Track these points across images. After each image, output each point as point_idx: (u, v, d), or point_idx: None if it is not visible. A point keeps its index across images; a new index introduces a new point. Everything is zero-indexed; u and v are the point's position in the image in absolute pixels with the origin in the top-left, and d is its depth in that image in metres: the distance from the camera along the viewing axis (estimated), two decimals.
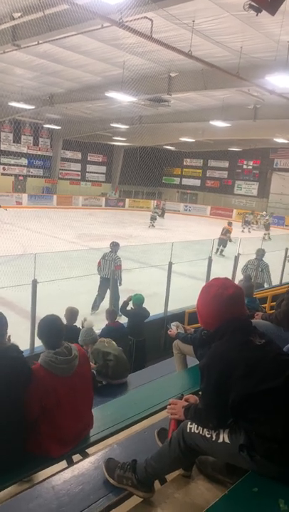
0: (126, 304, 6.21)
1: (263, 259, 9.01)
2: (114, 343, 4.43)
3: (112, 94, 13.60)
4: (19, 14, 8.61)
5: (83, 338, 4.36)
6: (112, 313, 5.67)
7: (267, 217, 23.01)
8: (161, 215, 26.08)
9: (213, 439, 1.66)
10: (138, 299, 6.23)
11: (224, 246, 15.27)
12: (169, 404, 1.99)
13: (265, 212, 25.89)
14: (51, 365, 2.27)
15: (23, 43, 9.89)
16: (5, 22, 9.09)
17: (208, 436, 1.67)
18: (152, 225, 22.57)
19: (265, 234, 19.93)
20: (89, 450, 2.59)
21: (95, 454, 2.21)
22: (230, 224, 17.00)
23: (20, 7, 8.24)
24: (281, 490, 1.46)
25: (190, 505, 1.82)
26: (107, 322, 5.63)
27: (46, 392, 2.24)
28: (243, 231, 21.90)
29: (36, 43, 9.80)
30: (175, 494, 1.89)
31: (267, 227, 21.56)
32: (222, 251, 15.05)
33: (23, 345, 4.54)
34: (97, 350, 4.23)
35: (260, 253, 9.00)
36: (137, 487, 1.84)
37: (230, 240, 15.35)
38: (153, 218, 22.96)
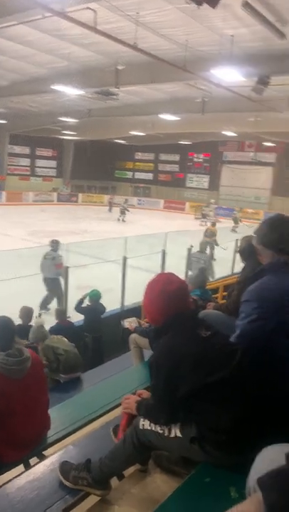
0: (81, 301, 6.15)
1: (206, 251, 9.25)
2: (65, 339, 4.41)
3: (58, 87, 13.28)
4: None
5: (34, 335, 4.31)
6: (61, 313, 5.60)
7: (235, 212, 23.44)
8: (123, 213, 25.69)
9: (166, 434, 1.67)
10: (94, 295, 6.19)
11: (212, 249, 13.32)
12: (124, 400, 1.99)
13: (213, 200, 26.66)
14: (2, 367, 2.21)
15: None
16: None
17: (161, 431, 1.68)
18: (122, 220, 22.49)
19: (233, 226, 20.08)
20: (46, 452, 2.55)
21: (50, 457, 2.16)
22: (214, 225, 14.88)
23: None
24: (232, 478, 1.50)
25: (147, 499, 1.83)
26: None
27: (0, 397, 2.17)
28: (201, 224, 22.38)
29: None
30: (132, 490, 1.90)
31: (236, 220, 21.83)
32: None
33: None
34: (47, 347, 4.20)
35: (203, 246, 9.20)
36: (92, 486, 1.82)
37: (217, 244, 13.22)
38: (122, 212, 22.95)
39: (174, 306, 1.71)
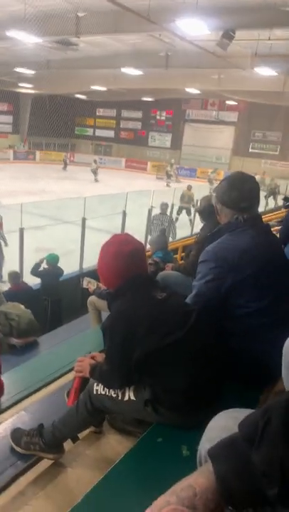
0: (38, 265, 5.98)
1: (167, 213, 9.23)
2: (19, 305, 4.30)
3: (13, 33, 12.26)
4: None
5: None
6: (14, 276, 5.42)
7: (210, 173, 23.31)
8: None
9: (120, 398, 1.65)
10: (52, 258, 6.04)
11: (188, 214, 12.84)
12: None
13: (173, 160, 26.57)
14: None
15: None
16: None
17: (115, 395, 1.66)
18: (95, 180, 22.17)
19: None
20: (1, 417, 2.50)
21: (2, 423, 2.11)
22: (189, 188, 13.83)
23: None
24: (183, 437, 1.52)
25: (101, 460, 1.83)
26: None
27: None
28: (167, 185, 22.24)
29: None
30: (86, 451, 1.89)
31: (211, 182, 21.57)
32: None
33: None
34: None
35: (164, 207, 9.16)
36: (45, 450, 1.80)
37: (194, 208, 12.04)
38: (94, 172, 22.39)
39: (129, 269, 1.64)
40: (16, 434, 1.89)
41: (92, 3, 10.56)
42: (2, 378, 2.60)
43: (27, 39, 13.20)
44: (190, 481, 0.75)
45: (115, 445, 1.91)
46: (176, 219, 11.99)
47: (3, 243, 6.97)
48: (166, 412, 1.58)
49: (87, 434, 1.98)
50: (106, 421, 2.02)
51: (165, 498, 0.73)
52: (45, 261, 5.99)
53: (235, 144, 28.89)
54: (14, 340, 4.06)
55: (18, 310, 4.21)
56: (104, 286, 3.56)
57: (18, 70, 20.07)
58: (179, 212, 12.81)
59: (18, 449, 1.84)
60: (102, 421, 1.99)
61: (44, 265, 6.03)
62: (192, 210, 12.57)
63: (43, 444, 1.79)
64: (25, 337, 4.11)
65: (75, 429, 1.84)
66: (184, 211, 13.25)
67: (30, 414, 2.14)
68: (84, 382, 1.85)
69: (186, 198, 13.33)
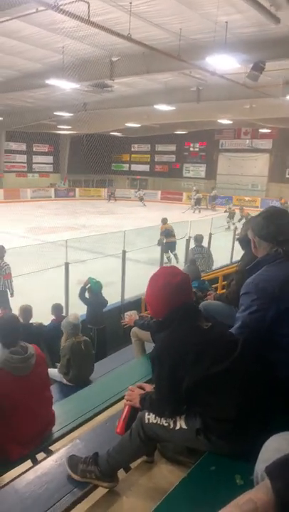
0: (84, 289, 6.13)
1: (203, 244, 9.19)
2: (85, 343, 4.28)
3: (53, 82, 13.18)
4: None
5: (71, 331, 4.18)
6: (57, 308, 5.56)
7: (229, 206, 23.41)
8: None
9: (171, 426, 1.70)
10: (95, 283, 6.19)
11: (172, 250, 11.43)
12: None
13: (195, 187, 27.30)
14: (7, 364, 2.22)
15: None
16: None
17: (166, 424, 1.71)
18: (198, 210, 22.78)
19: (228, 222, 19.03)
20: (53, 447, 2.58)
21: (57, 452, 2.19)
22: (165, 221, 12.11)
23: None
24: (237, 466, 1.53)
25: (154, 489, 1.85)
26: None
27: (2, 395, 2.18)
28: (194, 212, 22.50)
29: None
30: (139, 480, 1.93)
31: (232, 216, 21.30)
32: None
33: None
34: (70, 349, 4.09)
35: (200, 238, 9.11)
36: (100, 479, 1.85)
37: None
38: (141, 199, 22.77)
39: (177, 299, 1.72)
40: (73, 461, 1.95)
41: (124, 47, 11.17)
42: (53, 408, 2.70)
43: (66, 85, 14.11)
44: (250, 495, 0.81)
45: (167, 474, 1.93)
46: (168, 259, 11.15)
47: (9, 293, 6.81)
48: (217, 440, 1.61)
49: (139, 463, 2.02)
50: (157, 450, 2.05)
51: (228, 509, 0.79)
52: (88, 288, 6.13)
53: (270, 170, 28.77)
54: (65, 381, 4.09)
55: (82, 353, 4.12)
56: (146, 318, 3.65)
57: (58, 113, 21.31)
58: (165, 250, 10.93)
59: (74, 476, 1.90)
60: (154, 450, 2.02)
61: (87, 294, 6.17)
62: (175, 244, 11.37)
63: (98, 473, 1.84)
64: (75, 383, 4.07)
65: (129, 458, 1.88)
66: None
67: (83, 442, 2.20)
68: (134, 411, 1.91)
69: (168, 233, 11.64)
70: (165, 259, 10.59)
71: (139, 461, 2.01)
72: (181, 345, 1.64)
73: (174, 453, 2.00)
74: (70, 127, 26.13)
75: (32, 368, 2.30)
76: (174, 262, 10.87)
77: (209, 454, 1.66)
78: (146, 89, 17.49)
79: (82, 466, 1.89)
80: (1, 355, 2.26)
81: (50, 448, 2.53)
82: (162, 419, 1.72)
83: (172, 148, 33.03)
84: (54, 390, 3.65)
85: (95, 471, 1.85)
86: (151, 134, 30.06)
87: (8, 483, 1.99)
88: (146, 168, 34.72)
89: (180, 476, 1.77)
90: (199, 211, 24.79)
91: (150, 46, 9.86)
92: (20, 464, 2.35)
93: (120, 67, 12.87)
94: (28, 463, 2.41)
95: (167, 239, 11.22)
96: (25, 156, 30.82)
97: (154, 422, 1.73)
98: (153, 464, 2.01)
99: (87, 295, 6.15)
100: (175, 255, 11.36)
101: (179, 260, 10.83)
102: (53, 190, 30.88)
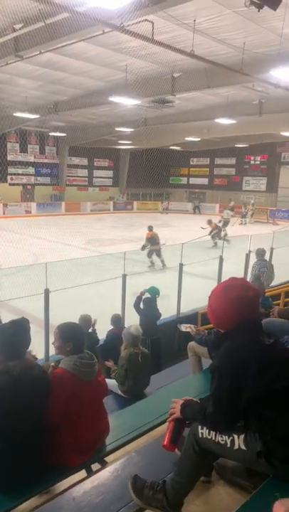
0: (140, 298, 6.17)
1: (266, 258, 8.92)
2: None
3: (115, 99, 13.64)
4: (20, 25, 8.68)
5: (131, 341, 4.24)
6: (116, 319, 5.63)
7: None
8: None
9: (228, 445, 1.64)
10: (153, 290, 6.20)
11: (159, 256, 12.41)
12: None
13: (232, 202, 26.51)
14: (76, 369, 2.28)
15: (26, 54, 9.95)
16: (6, 34, 9.17)
17: (223, 442, 1.65)
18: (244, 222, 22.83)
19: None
20: (107, 458, 2.59)
21: (113, 463, 2.20)
22: (151, 228, 13.34)
23: (21, 18, 8.31)
24: None
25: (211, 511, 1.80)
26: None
27: (70, 398, 2.23)
28: (241, 223, 22.10)
29: (38, 52, 9.87)
30: (196, 501, 1.87)
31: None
32: None
33: (38, 354, 4.55)
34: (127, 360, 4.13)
35: (261, 253, 8.86)
36: (167, 510, 1.77)
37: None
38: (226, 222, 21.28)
39: (246, 314, 1.69)
40: (137, 484, 1.87)
41: (186, 63, 11.33)
42: (108, 418, 2.71)
43: (128, 102, 14.54)
44: None
45: (225, 497, 1.87)
46: (152, 262, 12.12)
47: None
48: (281, 465, 1.53)
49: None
50: (215, 471, 1.99)
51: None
52: (144, 299, 6.16)
53: None
54: (120, 392, 4.11)
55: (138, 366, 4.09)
56: (202, 332, 3.58)
57: (119, 129, 21.98)
58: (149, 255, 12.42)
59: (138, 502, 1.83)
60: (211, 470, 1.96)
61: (142, 305, 6.20)
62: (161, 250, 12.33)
63: (165, 503, 1.76)
64: (129, 395, 4.05)
65: (190, 478, 1.79)
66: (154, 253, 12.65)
67: (139, 456, 2.19)
68: (179, 423, 1.86)
69: (153, 240, 12.75)
70: (149, 263, 12.00)
71: None
72: (243, 359, 1.59)
73: (232, 474, 1.93)
74: (130, 142, 26.81)
75: (95, 376, 2.35)
76: (158, 267, 11.74)
77: (272, 479, 1.58)
78: (207, 103, 17.54)
79: (149, 493, 1.81)
80: (69, 360, 2.32)
81: (104, 459, 2.55)
82: (218, 435, 1.66)
83: (232, 161, 32.66)
84: (109, 400, 3.69)
85: (162, 501, 1.77)
86: (211, 148, 29.97)
87: (66, 490, 2.02)
88: (204, 181, 34.59)
89: (239, 499, 1.71)
90: (245, 223, 24.28)
91: (213, 61, 9.91)
92: (77, 472, 2.39)
93: (182, 83, 13.05)
94: (83, 472, 2.45)
95: (152, 246, 12.43)
96: (87, 170, 31.99)
97: (209, 437, 1.68)
98: (210, 485, 1.96)
99: (142, 305, 6.19)
100: (162, 261, 12.02)
101: (166, 266, 11.42)
102: (111, 203, 31.71)
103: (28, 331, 2.25)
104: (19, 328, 2.22)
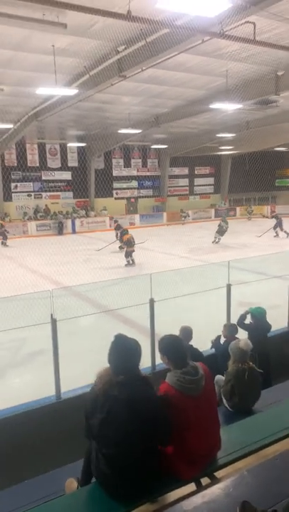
0: (243, 316, 5.94)
1: None
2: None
3: (216, 106, 13.54)
4: (123, 47, 9.17)
5: (238, 357, 4.11)
6: (231, 328, 5.45)
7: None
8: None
9: None
10: (258, 313, 5.93)
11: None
12: None
13: None
14: (179, 384, 2.28)
15: (129, 73, 10.47)
16: (110, 57, 9.77)
17: None
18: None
19: None
20: (217, 473, 2.52)
21: (224, 480, 2.13)
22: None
23: (124, 40, 8.77)
24: None
25: None
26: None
27: (177, 412, 2.24)
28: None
29: (140, 70, 10.30)
30: None
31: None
32: None
33: (145, 362, 4.65)
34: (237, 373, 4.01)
35: None
36: None
37: None
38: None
39: None
40: (247, 511, 1.80)
41: None
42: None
43: (229, 107, 14.33)
44: None
45: None
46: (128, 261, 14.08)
47: None
48: None
49: None
50: None
51: None
52: (250, 315, 5.92)
53: None
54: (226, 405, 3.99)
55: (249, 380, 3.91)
56: None
57: (220, 135, 21.74)
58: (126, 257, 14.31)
59: None
60: None
61: (249, 319, 5.96)
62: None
63: None
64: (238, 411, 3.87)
65: None
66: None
67: (251, 476, 2.08)
68: None
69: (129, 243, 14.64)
70: (125, 262, 14.10)
71: None
72: None
73: None
74: (232, 147, 26.35)
75: (202, 390, 2.30)
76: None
77: None
78: None
79: None
80: (173, 375, 2.32)
81: (214, 474, 2.48)
82: None
83: None
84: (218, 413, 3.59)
85: None
86: None
87: (175, 501, 2.01)
88: None
89: None
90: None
91: None
92: (187, 484, 2.36)
93: (286, 81, 12.43)
94: (192, 485, 2.41)
95: (128, 248, 14.47)
96: (187, 179, 32.22)
97: None
98: None
99: (249, 319, 5.94)
100: (133, 260, 14.17)
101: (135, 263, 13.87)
102: (213, 210, 31.38)
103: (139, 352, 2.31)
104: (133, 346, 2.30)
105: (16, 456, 3.73)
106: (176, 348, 2.41)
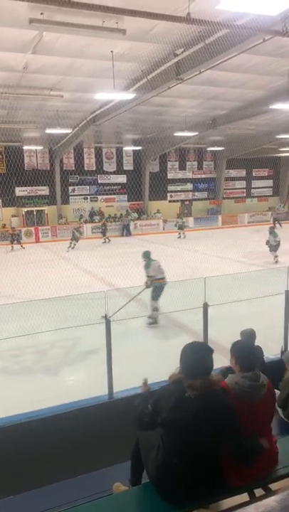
0: None
1: None
2: None
3: (277, 106, 13.12)
4: (181, 50, 9.16)
5: None
6: None
7: None
8: None
9: None
10: None
11: None
12: None
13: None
14: (235, 386, 2.25)
15: (186, 76, 10.44)
16: (168, 61, 9.80)
17: None
18: None
19: None
20: (272, 485, 2.42)
21: (280, 493, 2.02)
22: None
23: (182, 43, 8.75)
24: None
25: None
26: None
27: None
28: None
29: (198, 72, 10.23)
30: None
31: None
32: None
33: None
34: None
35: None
36: None
37: None
38: None
39: None
40: None
41: None
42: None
43: None
44: None
45: None
46: None
47: None
48: None
49: None
50: None
51: None
52: None
53: None
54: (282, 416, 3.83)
55: None
56: None
57: (280, 136, 21.03)
58: None
59: None
60: None
61: None
62: None
63: None
64: None
65: None
66: None
67: None
68: None
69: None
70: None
71: None
72: None
73: None
74: None
75: (261, 399, 2.23)
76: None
77: None
78: None
79: None
80: (233, 377, 2.28)
81: (269, 486, 2.39)
82: None
83: None
84: (273, 423, 3.46)
85: None
86: None
87: (228, 510, 1.96)
88: None
89: None
90: None
91: None
92: (238, 494, 2.29)
93: None
94: (245, 496, 2.33)
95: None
96: (244, 181, 31.51)
97: None
98: None
99: None
100: None
101: None
102: (270, 213, 30.42)
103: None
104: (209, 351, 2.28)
105: (66, 452, 3.81)
106: (238, 349, 2.38)
